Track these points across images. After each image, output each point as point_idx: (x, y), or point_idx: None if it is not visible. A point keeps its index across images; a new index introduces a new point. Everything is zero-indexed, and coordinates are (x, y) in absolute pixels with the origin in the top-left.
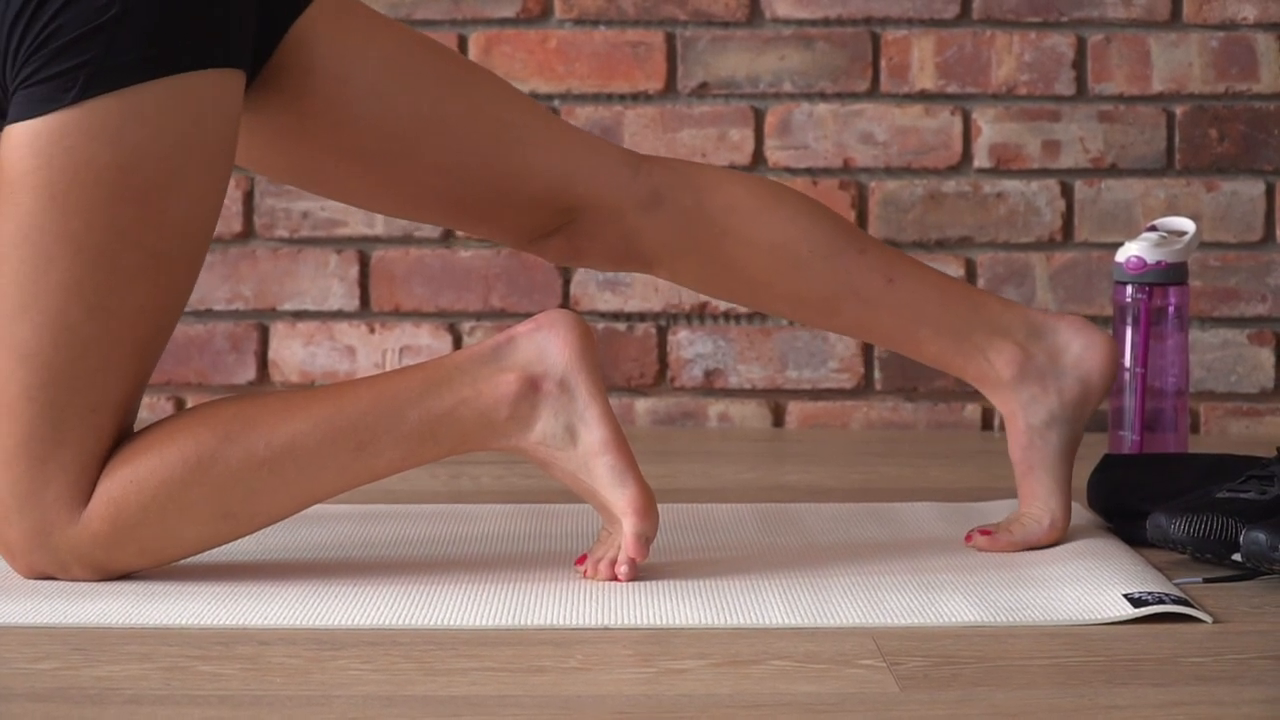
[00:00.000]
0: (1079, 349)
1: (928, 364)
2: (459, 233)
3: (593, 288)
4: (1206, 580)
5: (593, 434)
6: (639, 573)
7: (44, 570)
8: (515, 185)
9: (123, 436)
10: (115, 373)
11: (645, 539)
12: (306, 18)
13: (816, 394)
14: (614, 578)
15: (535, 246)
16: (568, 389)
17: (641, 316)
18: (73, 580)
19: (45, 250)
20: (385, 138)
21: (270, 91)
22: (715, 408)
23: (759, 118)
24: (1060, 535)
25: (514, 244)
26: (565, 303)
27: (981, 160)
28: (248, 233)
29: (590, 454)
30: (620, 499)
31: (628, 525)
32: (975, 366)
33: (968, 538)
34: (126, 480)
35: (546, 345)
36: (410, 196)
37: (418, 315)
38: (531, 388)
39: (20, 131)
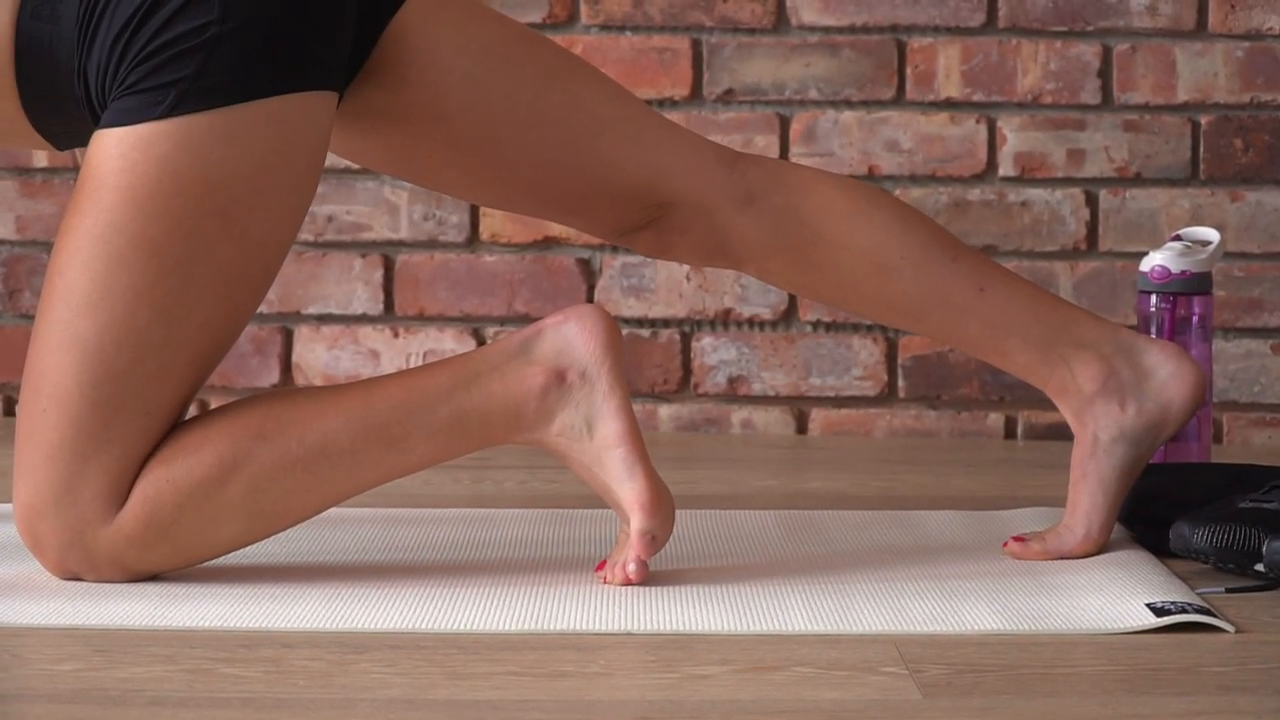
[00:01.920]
0: (1166, 375)
1: (1013, 374)
2: (483, 238)
3: (617, 293)
4: (1229, 590)
5: (608, 427)
6: (649, 576)
7: (73, 570)
8: (609, 180)
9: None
10: (172, 379)
11: (651, 536)
12: (405, 12)
13: (840, 401)
14: (628, 581)
15: (626, 239)
16: (589, 381)
17: (665, 323)
18: (101, 581)
19: (120, 251)
20: (482, 129)
21: (369, 85)
22: (739, 414)
23: (784, 124)
24: (1093, 549)
25: (605, 236)
26: None
27: (1006, 169)
28: None
29: (604, 446)
30: (628, 493)
31: (634, 521)
32: (1058, 378)
33: (1005, 544)
34: (162, 481)
35: (573, 338)
36: (504, 187)
37: (442, 320)
38: (557, 380)
39: (110, 136)
